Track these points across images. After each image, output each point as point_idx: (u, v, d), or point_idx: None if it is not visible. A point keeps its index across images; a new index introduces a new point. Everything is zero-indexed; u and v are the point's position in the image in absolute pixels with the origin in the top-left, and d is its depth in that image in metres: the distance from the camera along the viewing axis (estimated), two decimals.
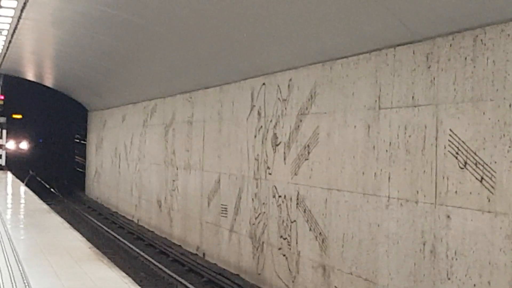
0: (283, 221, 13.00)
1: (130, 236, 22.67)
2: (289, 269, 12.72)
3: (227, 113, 16.17)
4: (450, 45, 8.52)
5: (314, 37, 11.23)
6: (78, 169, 42.45)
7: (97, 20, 16.65)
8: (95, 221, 26.21)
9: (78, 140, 46.01)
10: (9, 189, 29.52)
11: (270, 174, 13.69)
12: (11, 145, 50.08)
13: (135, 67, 20.89)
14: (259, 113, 14.31)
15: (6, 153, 39.79)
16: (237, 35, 13.24)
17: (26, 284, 10.29)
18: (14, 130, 49.21)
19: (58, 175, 44.59)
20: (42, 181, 42.19)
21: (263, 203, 13.93)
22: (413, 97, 9.25)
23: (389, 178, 9.73)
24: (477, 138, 7.98)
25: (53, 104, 48.56)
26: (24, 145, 53.92)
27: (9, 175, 35.44)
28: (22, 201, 24.82)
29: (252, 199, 14.50)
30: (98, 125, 32.92)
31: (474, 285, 7.97)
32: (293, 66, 12.71)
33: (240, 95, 15.39)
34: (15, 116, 51.62)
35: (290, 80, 12.91)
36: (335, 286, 11.10)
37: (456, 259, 8.29)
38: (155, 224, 22.18)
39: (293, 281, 12.57)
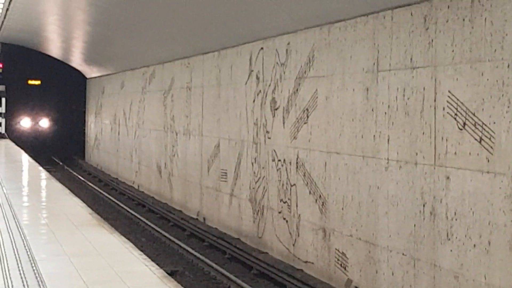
0: (283, 184, 13.04)
1: (130, 202, 22.75)
2: (290, 233, 12.78)
3: (226, 78, 16.15)
4: (448, 7, 8.50)
5: (311, 0, 11.19)
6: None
7: None
8: (96, 187, 26.28)
9: (75, 108, 42.47)
10: (9, 157, 29.53)
11: (269, 138, 13.70)
12: (26, 123, 38.97)
13: (133, 33, 20.82)
14: (257, 78, 14.29)
15: (18, 131, 37.89)
16: None
17: (28, 250, 10.34)
18: (32, 101, 38.76)
19: (63, 144, 42.26)
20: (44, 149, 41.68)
21: (263, 167, 13.96)
22: (411, 59, 9.24)
23: (388, 140, 9.75)
24: (476, 99, 7.99)
25: (55, 72, 41.30)
26: (45, 122, 39.50)
27: (9, 142, 35.43)
28: (23, 168, 24.86)
29: (252, 163, 14.52)
30: (97, 92, 32.88)
31: (474, 245, 8.02)
32: (291, 30, 12.68)
33: (239, 60, 15.36)
34: (32, 82, 39.35)
35: (288, 44, 12.88)
36: (336, 249, 11.16)
37: (456, 219, 8.33)
38: (155, 189, 22.24)
39: (293, 244, 12.63)
